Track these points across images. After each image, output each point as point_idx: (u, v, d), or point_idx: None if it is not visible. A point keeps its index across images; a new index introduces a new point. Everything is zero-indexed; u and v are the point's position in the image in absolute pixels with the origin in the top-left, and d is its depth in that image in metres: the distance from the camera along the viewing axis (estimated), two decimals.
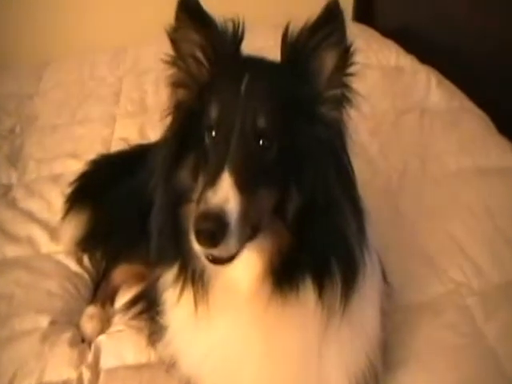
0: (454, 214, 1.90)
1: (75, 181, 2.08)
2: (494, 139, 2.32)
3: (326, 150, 1.14)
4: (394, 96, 2.73)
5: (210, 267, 1.11)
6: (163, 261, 1.27)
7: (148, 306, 1.60)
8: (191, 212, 1.10)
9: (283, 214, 1.12)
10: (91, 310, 1.74)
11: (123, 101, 3.08)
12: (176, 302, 1.24)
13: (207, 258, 1.06)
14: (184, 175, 1.18)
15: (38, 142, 2.73)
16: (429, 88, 2.78)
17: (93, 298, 1.81)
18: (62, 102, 3.12)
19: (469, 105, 2.60)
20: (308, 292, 1.14)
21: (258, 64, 1.21)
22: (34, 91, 3.27)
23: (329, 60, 1.13)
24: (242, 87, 1.10)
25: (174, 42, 1.20)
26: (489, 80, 2.62)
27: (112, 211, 1.90)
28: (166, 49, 1.23)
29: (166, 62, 1.22)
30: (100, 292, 1.82)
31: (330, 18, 1.11)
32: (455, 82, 2.84)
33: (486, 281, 1.67)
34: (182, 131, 1.20)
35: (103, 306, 1.76)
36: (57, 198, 2.20)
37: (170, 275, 1.25)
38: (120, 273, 1.82)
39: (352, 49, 1.13)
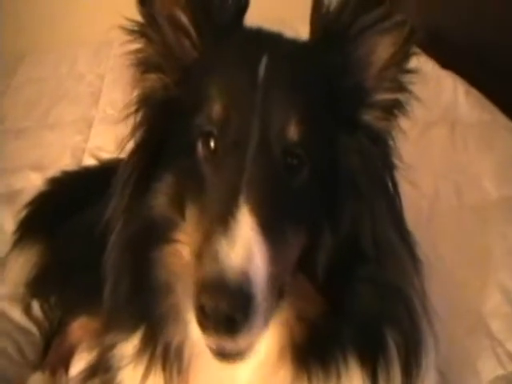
0: (504, 259, 1.54)
1: (30, 204, 1.72)
2: None
3: (374, 172, 0.86)
4: (417, 106, 2.37)
5: (202, 351, 0.77)
6: (119, 324, 0.95)
7: (107, 382, 1.23)
8: (169, 257, 0.84)
9: (310, 267, 0.82)
10: (37, 379, 1.39)
11: (102, 102, 2.83)
12: None
13: (215, 351, 0.73)
14: (158, 203, 0.87)
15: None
16: (456, 98, 2.50)
17: (41, 362, 1.46)
18: (34, 101, 2.89)
19: (501, 118, 2.30)
20: (355, 382, 0.83)
21: (278, 40, 0.89)
22: (5, 88, 3.03)
23: (383, 48, 0.83)
24: (260, 73, 0.79)
25: (147, 7, 0.86)
26: None
27: (73, 245, 1.55)
28: None
29: (129, 32, 0.88)
30: (52, 352, 1.48)
31: None
32: (482, 91, 2.56)
33: None
34: (154, 137, 0.88)
35: (53, 372, 1.42)
36: (10, 222, 1.85)
37: (128, 346, 0.92)
38: (80, 327, 1.48)
39: (415, 36, 0.82)
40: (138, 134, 0.89)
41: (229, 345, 0.70)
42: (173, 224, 0.84)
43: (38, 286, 1.57)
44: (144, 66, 0.89)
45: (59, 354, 1.46)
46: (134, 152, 0.89)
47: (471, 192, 1.84)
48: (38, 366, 1.43)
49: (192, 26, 0.87)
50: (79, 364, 1.40)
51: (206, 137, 0.80)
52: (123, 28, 0.87)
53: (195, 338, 0.75)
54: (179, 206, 0.83)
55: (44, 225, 1.64)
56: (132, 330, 0.91)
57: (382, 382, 0.83)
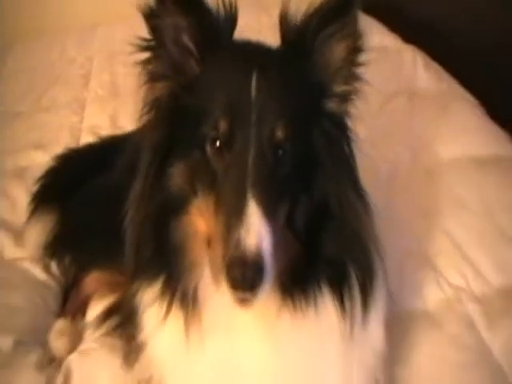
0: (450, 210, 1.79)
1: (41, 178, 1.93)
2: (486, 126, 2.21)
3: (335, 148, 1.06)
4: (379, 78, 2.57)
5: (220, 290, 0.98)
6: (143, 275, 1.13)
7: (123, 321, 1.47)
8: (186, 224, 1.04)
9: (292, 224, 1.03)
10: (61, 324, 1.61)
11: (93, 84, 2.97)
12: (161, 322, 1.10)
13: (238, 300, 0.95)
14: (173, 184, 1.06)
15: (1, 130, 2.62)
16: (415, 70, 2.69)
17: (62, 311, 1.68)
18: (28, 85, 3.02)
19: (457, 88, 2.51)
20: (327, 301, 1.07)
21: (263, 55, 1.08)
22: None
23: (338, 51, 1.05)
24: (253, 90, 0.98)
25: (155, 29, 1.04)
26: (477, 62, 2.51)
27: (82, 212, 1.76)
28: (140, 29, 1.05)
29: (141, 49, 1.06)
30: (70, 303, 1.70)
31: (346, 9, 1.02)
32: (440, 62, 2.74)
33: (486, 285, 1.56)
34: (169, 131, 1.06)
35: (73, 318, 1.64)
36: (22, 195, 2.07)
37: (151, 292, 1.12)
38: (92, 281, 1.69)
39: (363, 39, 1.04)
40: (153, 130, 1.07)
41: (250, 296, 0.91)
42: (186, 200, 1.03)
43: (54, 248, 1.78)
44: (154, 76, 1.06)
45: (77, 303, 1.67)
46: (152, 144, 1.07)
47: (425, 156, 2.06)
48: (60, 313, 1.65)
49: (194, 46, 1.05)
50: (94, 310, 1.62)
51: (213, 140, 0.99)
52: (137, 47, 1.04)
53: (207, 281, 1.00)
54: (191, 186, 1.02)
55: (56, 195, 1.84)
56: (154, 278, 1.09)
57: (347, 301, 1.07)
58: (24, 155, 2.37)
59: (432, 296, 1.53)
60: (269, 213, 0.92)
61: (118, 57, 3.09)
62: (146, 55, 1.07)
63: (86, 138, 2.39)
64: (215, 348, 1.08)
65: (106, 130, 2.41)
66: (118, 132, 2.27)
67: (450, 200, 1.84)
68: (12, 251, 1.85)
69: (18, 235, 1.89)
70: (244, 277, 0.87)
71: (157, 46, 1.06)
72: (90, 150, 2.04)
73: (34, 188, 1.90)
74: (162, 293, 1.08)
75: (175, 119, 1.05)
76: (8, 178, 2.20)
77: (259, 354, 1.06)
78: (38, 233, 1.79)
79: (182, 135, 1.04)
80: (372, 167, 2.00)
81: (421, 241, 1.68)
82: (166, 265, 1.07)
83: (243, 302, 0.94)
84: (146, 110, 1.09)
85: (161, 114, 1.07)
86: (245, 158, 0.95)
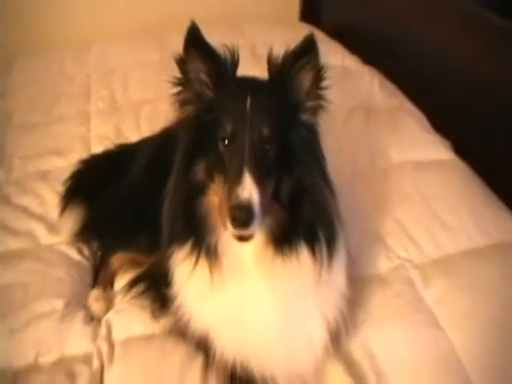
0: (398, 202, 2.26)
1: (69, 179, 2.31)
2: (429, 136, 2.70)
3: (308, 146, 1.46)
4: (343, 95, 3.01)
5: (233, 244, 1.41)
6: (175, 242, 1.53)
7: (150, 286, 1.90)
8: (207, 202, 1.44)
9: (278, 197, 1.43)
10: (95, 292, 1.99)
11: (94, 99, 3.24)
12: (190, 274, 1.49)
13: (236, 237, 1.36)
14: (199, 175, 1.45)
15: (18, 140, 2.86)
16: (372, 88, 3.13)
17: (95, 283, 2.07)
18: (35, 99, 3.25)
19: (407, 104, 2.97)
20: (304, 252, 1.46)
21: (255, 85, 1.51)
22: (4, 88, 3.39)
23: (307, 79, 1.47)
24: (247, 106, 1.39)
25: (183, 70, 1.49)
26: (428, 81, 2.99)
27: (106, 207, 2.14)
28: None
29: (175, 84, 1.51)
30: (100, 277, 2.07)
31: (309, 48, 1.44)
32: (396, 80, 3.19)
33: (424, 256, 2.05)
34: (194, 140, 1.46)
35: (105, 289, 2.02)
36: (49, 193, 2.42)
37: (182, 253, 1.51)
38: (116, 260, 2.06)
39: (324, 70, 1.47)
40: (185, 138, 1.46)
41: (245, 233, 1.32)
42: (207, 185, 1.42)
43: (84, 235, 2.15)
44: (184, 102, 1.47)
45: (106, 277, 2.04)
46: (184, 148, 1.46)
47: (380, 159, 2.52)
48: (93, 285, 2.03)
49: (209, 80, 1.46)
50: (121, 282, 2.01)
51: (223, 140, 1.38)
52: (172, 83, 1.46)
53: (224, 239, 1.43)
54: (209, 176, 1.41)
55: (83, 192, 2.21)
56: (184, 242, 1.48)
57: (317, 252, 1.45)
58: (44, 160, 2.65)
59: (383, 265, 2.01)
60: (258, 182, 1.32)
61: (112, 75, 3.43)
62: (178, 89, 1.51)
63: (96, 146, 2.70)
64: (232, 287, 1.50)
65: (113, 139, 2.71)
66: (123, 141, 2.62)
67: (398, 194, 2.30)
68: (47, 238, 2.21)
69: (50, 225, 2.26)
70: (240, 216, 1.29)
71: (185, 81, 1.50)
72: (109, 155, 2.41)
73: (64, 187, 2.28)
74: (191, 251, 1.49)
75: (198, 130, 1.45)
76: (34, 180, 2.52)
77: (262, 289, 1.50)
78: (70, 223, 2.16)
79: (203, 141, 1.46)
80: (338, 168, 2.41)
81: (375, 224, 2.15)
82: (194, 231, 1.48)
83: (241, 238, 1.37)
84: (178, 124, 1.53)
85: (189, 127, 1.50)
86: (242, 148, 1.35)
